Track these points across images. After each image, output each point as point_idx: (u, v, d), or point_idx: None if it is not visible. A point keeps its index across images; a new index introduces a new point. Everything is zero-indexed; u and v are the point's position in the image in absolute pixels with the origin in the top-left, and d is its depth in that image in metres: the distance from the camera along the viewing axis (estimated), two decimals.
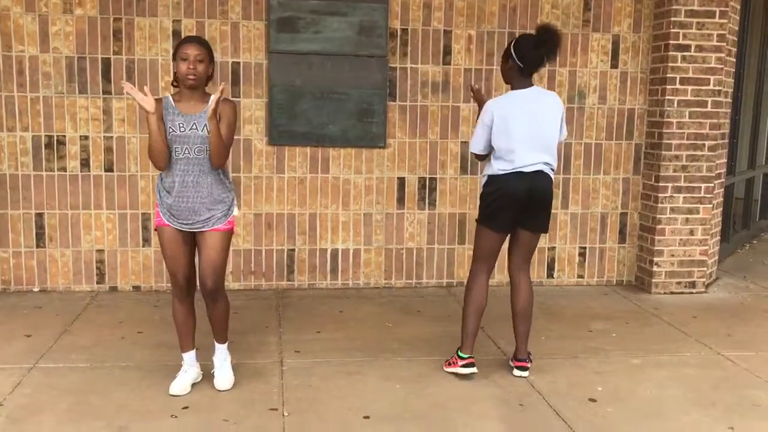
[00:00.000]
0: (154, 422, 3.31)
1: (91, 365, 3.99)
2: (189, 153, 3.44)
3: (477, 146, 3.90)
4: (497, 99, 3.92)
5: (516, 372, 4.00)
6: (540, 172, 3.84)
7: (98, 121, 5.32)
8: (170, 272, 3.57)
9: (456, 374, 3.96)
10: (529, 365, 4.01)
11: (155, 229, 3.60)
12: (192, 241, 3.59)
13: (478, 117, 3.98)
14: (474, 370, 3.92)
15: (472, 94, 4.21)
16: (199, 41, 3.47)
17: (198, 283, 3.59)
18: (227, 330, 3.72)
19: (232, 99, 3.68)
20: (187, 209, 3.47)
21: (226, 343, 3.73)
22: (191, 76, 3.39)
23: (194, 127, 3.42)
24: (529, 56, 3.77)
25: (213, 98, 3.33)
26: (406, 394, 3.72)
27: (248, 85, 5.43)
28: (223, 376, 3.69)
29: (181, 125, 3.43)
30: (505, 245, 4.03)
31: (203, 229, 3.51)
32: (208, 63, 3.46)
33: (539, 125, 3.81)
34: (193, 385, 3.67)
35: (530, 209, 3.86)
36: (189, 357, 3.69)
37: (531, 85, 3.87)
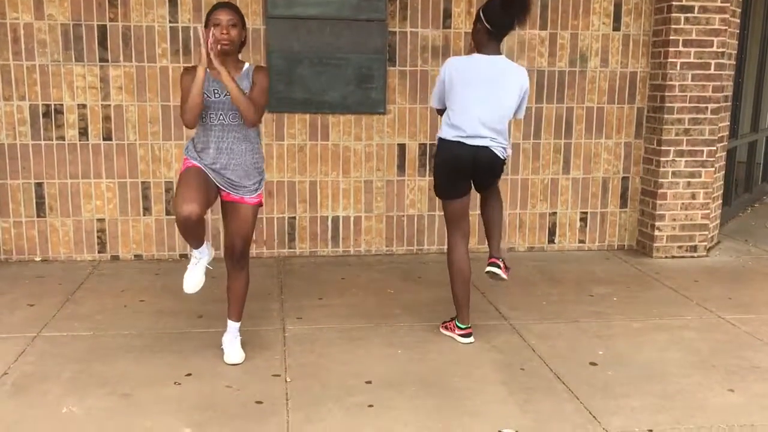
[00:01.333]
0: (157, 389, 3.33)
1: (94, 334, 4.01)
2: (224, 119, 3.42)
3: (433, 101, 3.97)
4: (459, 57, 3.90)
5: (488, 268, 3.89)
6: (485, 148, 3.77)
7: (96, 89, 5.27)
8: (178, 203, 3.22)
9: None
10: (500, 263, 3.88)
11: (181, 174, 3.43)
12: (215, 194, 3.48)
13: None
14: (471, 340, 3.97)
15: None
16: (231, 6, 3.41)
17: (225, 247, 3.54)
18: (243, 307, 3.68)
19: (264, 67, 3.62)
20: (223, 168, 3.45)
21: (239, 323, 3.68)
22: (225, 41, 3.34)
23: (229, 93, 3.37)
24: (497, 19, 3.72)
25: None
26: (408, 359, 3.74)
27: (245, 51, 5.35)
28: (234, 350, 3.63)
29: (216, 91, 3.40)
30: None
31: (233, 195, 3.49)
32: (241, 28, 3.42)
33: (495, 96, 3.75)
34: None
35: (478, 176, 3.88)
36: (199, 250, 3.49)
37: (499, 53, 3.81)
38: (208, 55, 3.26)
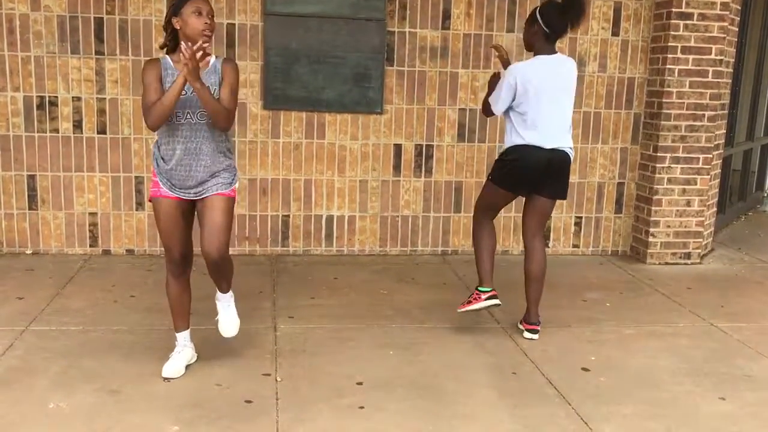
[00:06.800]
0: (146, 386, 3.30)
1: (83, 328, 3.97)
2: (191, 118, 3.24)
3: (500, 107, 3.92)
4: (523, 63, 3.93)
5: (526, 334, 4.07)
6: (560, 150, 3.89)
7: (91, 82, 5.23)
8: (165, 247, 3.36)
9: (478, 310, 4.03)
10: (539, 328, 4.08)
11: (150, 200, 3.38)
12: (191, 214, 3.40)
13: (498, 79, 4.02)
14: (497, 302, 4.01)
15: (496, 53, 4.19)
16: None
17: (203, 253, 3.30)
18: (231, 279, 3.52)
19: (232, 59, 3.45)
20: (188, 177, 3.28)
21: (230, 293, 3.55)
22: (208, 32, 3.18)
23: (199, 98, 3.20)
24: (555, 22, 3.80)
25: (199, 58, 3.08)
26: (399, 361, 3.72)
27: (243, 47, 5.34)
28: (229, 320, 3.52)
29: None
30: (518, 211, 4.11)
31: (205, 195, 3.29)
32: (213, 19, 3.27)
33: (563, 93, 3.89)
34: (188, 366, 3.50)
35: (549, 177, 3.92)
36: (183, 337, 3.51)
37: (555, 51, 3.90)
38: (196, 66, 3.07)
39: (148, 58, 3.21)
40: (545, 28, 3.80)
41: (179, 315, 3.51)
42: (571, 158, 3.98)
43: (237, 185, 3.44)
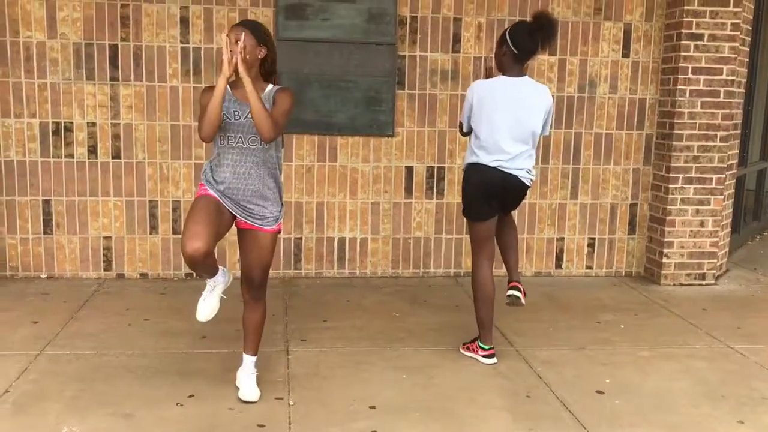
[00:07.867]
0: (159, 410, 3.30)
1: (97, 352, 3.99)
2: (243, 142, 3.28)
3: (464, 125, 3.99)
4: (484, 81, 3.92)
5: (510, 292, 4.00)
6: (514, 176, 3.86)
7: (105, 107, 5.30)
8: (184, 247, 3.08)
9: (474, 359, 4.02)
10: (521, 287, 4.01)
11: (192, 204, 3.30)
12: (227, 228, 3.34)
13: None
14: (494, 360, 3.97)
15: (484, 70, 4.23)
16: (244, 24, 3.29)
17: (245, 277, 3.39)
18: (260, 340, 3.54)
19: (289, 88, 3.47)
20: (239, 198, 3.31)
21: (256, 358, 3.53)
22: (228, 54, 3.16)
23: (249, 115, 3.25)
24: (524, 43, 3.77)
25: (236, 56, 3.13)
26: (413, 384, 3.70)
27: None
28: (250, 386, 3.46)
29: (236, 113, 3.26)
30: None
31: (252, 224, 3.34)
32: (256, 45, 3.25)
33: (522, 118, 3.81)
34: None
35: (505, 197, 3.93)
36: (214, 279, 3.41)
37: (523, 74, 3.87)
38: (232, 64, 3.12)
39: (208, 85, 3.26)
40: (514, 49, 3.78)
41: (204, 272, 3.37)
42: (529, 185, 3.95)
43: (282, 217, 3.48)
